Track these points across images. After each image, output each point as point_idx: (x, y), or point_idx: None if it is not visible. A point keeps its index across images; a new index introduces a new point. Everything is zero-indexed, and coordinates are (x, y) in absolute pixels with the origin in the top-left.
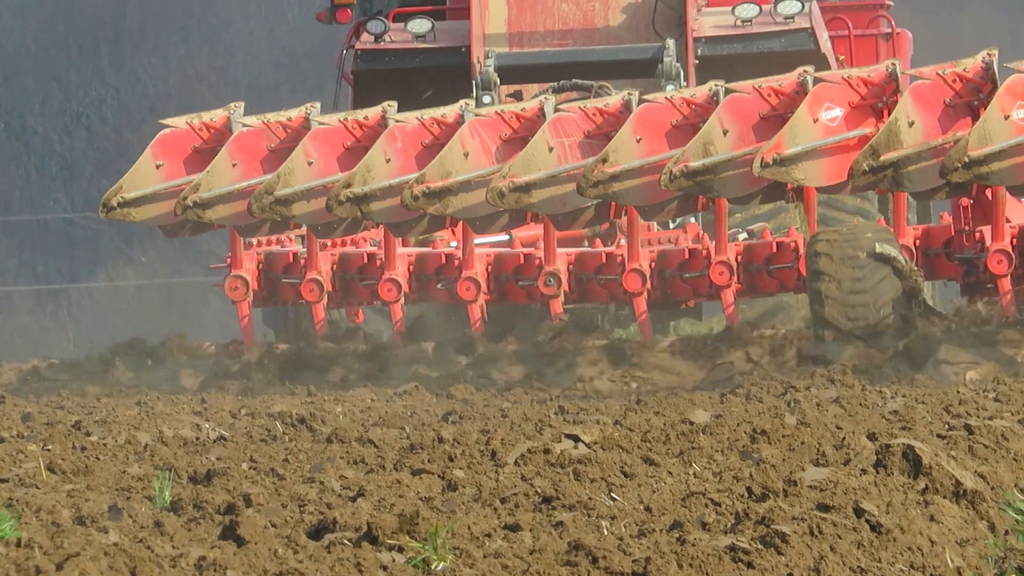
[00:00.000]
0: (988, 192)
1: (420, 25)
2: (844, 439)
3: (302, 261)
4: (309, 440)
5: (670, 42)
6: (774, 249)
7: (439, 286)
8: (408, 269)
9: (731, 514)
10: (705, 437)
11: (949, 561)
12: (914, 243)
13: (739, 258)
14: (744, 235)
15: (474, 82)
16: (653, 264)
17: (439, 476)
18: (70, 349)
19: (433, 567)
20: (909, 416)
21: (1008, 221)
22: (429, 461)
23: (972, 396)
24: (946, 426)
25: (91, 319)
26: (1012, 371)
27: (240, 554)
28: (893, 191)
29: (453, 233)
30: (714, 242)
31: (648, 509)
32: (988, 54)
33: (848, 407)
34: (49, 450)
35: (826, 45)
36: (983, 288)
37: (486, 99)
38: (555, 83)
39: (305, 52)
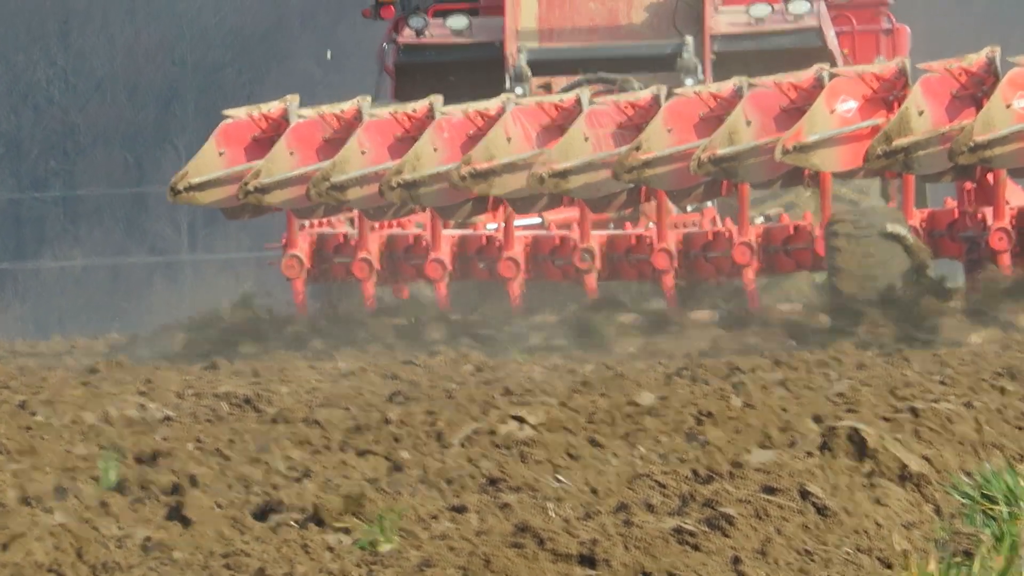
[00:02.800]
0: (990, 177)
1: (458, 21)
2: (790, 422)
3: (352, 242)
4: (255, 421)
5: (689, 39)
6: (791, 232)
7: (481, 266)
8: (452, 250)
9: (677, 496)
10: (651, 419)
11: (895, 544)
12: (921, 224)
13: (759, 240)
14: (760, 219)
15: (507, 75)
16: (680, 245)
17: (385, 457)
18: (20, 328)
19: (379, 548)
20: (855, 399)
21: (1008, 203)
22: (375, 442)
23: (918, 379)
24: (892, 409)
25: (37, 298)
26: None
27: (186, 535)
28: (904, 173)
29: (494, 217)
30: (736, 225)
31: (594, 491)
32: (991, 50)
33: (794, 390)
34: None
35: (833, 42)
36: (985, 264)
37: (518, 90)
38: (582, 76)
39: (252, 32)
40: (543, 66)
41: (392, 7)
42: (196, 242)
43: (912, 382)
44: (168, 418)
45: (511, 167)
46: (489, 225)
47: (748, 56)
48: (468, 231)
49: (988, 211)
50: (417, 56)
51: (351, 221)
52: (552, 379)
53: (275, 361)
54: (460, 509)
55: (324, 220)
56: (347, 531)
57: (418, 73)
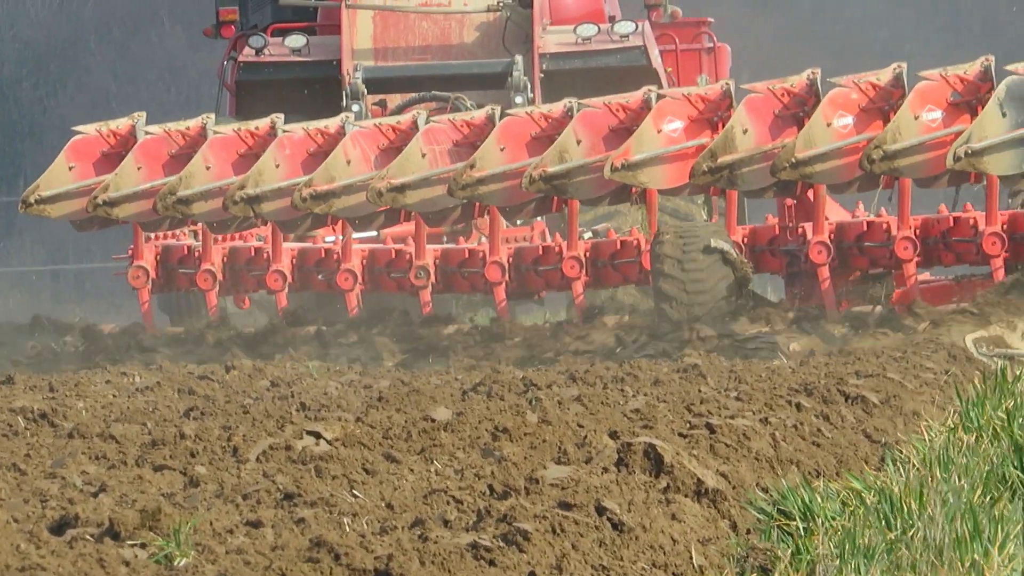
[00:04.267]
0: (810, 193)
1: (296, 41)
2: (586, 437)
3: (196, 253)
4: (51, 435)
5: (518, 58)
6: (618, 246)
7: (319, 277)
8: (292, 262)
9: (473, 512)
10: (447, 434)
11: (692, 560)
12: (743, 239)
13: (587, 254)
14: (589, 234)
15: (344, 92)
16: (511, 259)
17: (181, 472)
18: None
19: (175, 563)
20: (651, 414)
21: (827, 218)
22: (171, 457)
23: (713, 394)
24: (688, 425)
25: None
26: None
27: None
28: (728, 190)
29: (333, 230)
30: (565, 239)
31: (390, 506)
32: (812, 72)
33: (590, 405)
34: None
35: (657, 60)
36: (805, 277)
37: (355, 107)
38: (416, 94)
39: (47, 47)
40: (378, 84)
41: (232, 27)
42: None
43: (708, 398)
44: None
45: (350, 188)
46: (327, 238)
47: (576, 74)
48: (307, 244)
49: (808, 226)
50: (256, 73)
51: (194, 233)
52: (348, 394)
53: (71, 376)
54: (256, 524)
55: (170, 232)
56: (143, 545)
57: (258, 89)
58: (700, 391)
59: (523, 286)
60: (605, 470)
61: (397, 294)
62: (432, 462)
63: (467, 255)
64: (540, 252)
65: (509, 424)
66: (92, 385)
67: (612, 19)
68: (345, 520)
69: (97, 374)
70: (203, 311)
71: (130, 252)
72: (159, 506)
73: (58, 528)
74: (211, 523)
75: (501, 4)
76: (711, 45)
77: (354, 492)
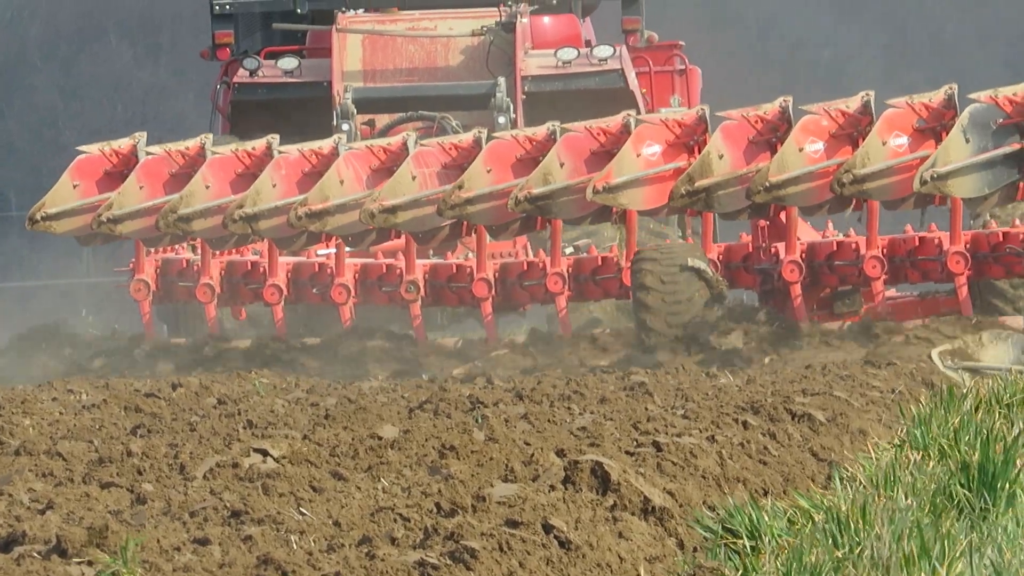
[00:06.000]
0: (782, 215)
1: (288, 62)
2: (533, 455)
3: (195, 267)
4: None
5: (501, 80)
6: (599, 263)
7: (314, 291)
8: (287, 276)
9: (420, 529)
10: (394, 452)
11: None
12: (718, 258)
13: (570, 270)
14: (570, 249)
15: (335, 112)
16: (497, 273)
17: (128, 489)
18: None
19: None
20: (597, 432)
21: (799, 238)
22: (118, 474)
23: (660, 413)
24: (634, 443)
25: None
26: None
27: None
28: (705, 212)
29: (328, 245)
30: (549, 256)
31: (337, 524)
32: (784, 100)
33: (536, 423)
34: None
35: (634, 83)
36: (778, 294)
37: (344, 126)
38: (404, 114)
39: None
40: (367, 104)
41: (228, 49)
42: None
43: (655, 416)
44: None
45: (343, 207)
46: (319, 251)
47: (556, 96)
48: (302, 258)
49: (781, 245)
50: (251, 94)
51: (192, 247)
52: (294, 412)
53: (17, 392)
54: (203, 541)
55: (168, 247)
56: (90, 563)
57: (251, 110)
58: (647, 409)
59: (508, 300)
60: (552, 488)
61: (387, 306)
62: (379, 480)
63: (455, 270)
64: (525, 268)
65: (456, 442)
66: (39, 402)
67: (589, 43)
68: (292, 538)
69: (44, 391)
70: (201, 322)
71: (131, 266)
72: (106, 523)
73: (5, 545)
74: (158, 540)
75: (485, 29)
76: (683, 68)
77: (301, 510)
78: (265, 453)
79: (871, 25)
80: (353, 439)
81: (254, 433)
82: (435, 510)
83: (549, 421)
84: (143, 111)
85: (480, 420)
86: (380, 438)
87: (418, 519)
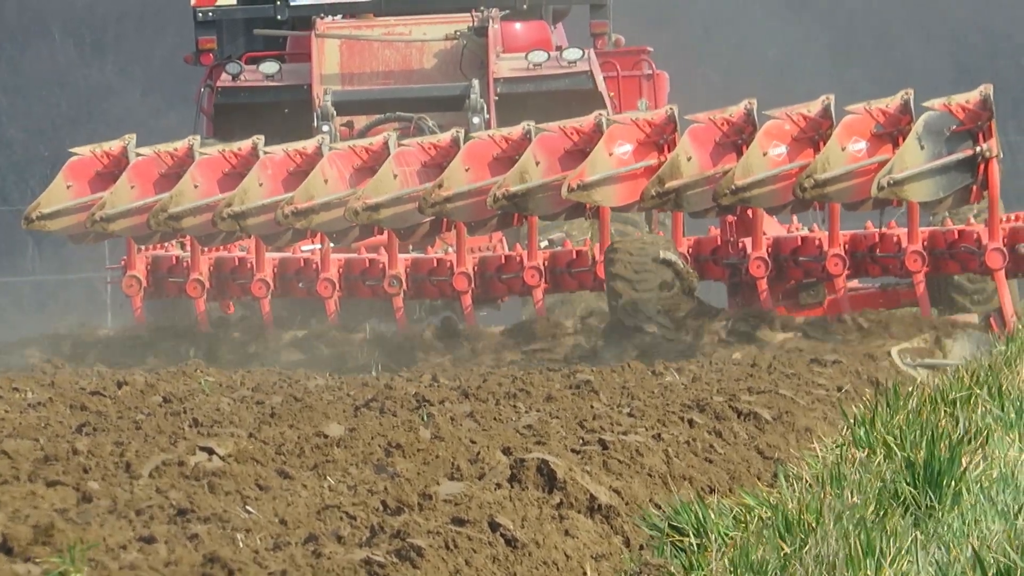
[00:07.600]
0: (749, 212)
1: (270, 67)
2: (479, 453)
3: (184, 263)
4: None
5: (475, 82)
6: (574, 256)
7: (300, 285)
8: (274, 271)
9: (366, 527)
10: (340, 450)
11: (585, 575)
12: (688, 250)
13: (546, 263)
14: (545, 243)
15: (315, 114)
16: (476, 267)
17: (74, 488)
18: None
19: None
20: (543, 431)
21: (765, 234)
22: (64, 473)
23: (606, 411)
24: (581, 441)
25: None
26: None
27: None
28: (675, 211)
29: (313, 241)
30: (525, 250)
31: (283, 522)
32: (749, 103)
33: (482, 421)
34: None
35: (602, 84)
36: (745, 288)
37: (324, 128)
38: (381, 115)
39: None
40: (346, 106)
41: (211, 54)
42: None
43: (601, 414)
44: None
45: (328, 205)
46: (304, 247)
47: (527, 97)
48: (287, 254)
49: (748, 241)
50: (233, 97)
51: (181, 244)
52: (240, 410)
53: None
54: (149, 540)
55: (158, 244)
56: (36, 561)
57: (234, 112)
58: (593, 407)
59: (487, 292)
60: (498, 486)
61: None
62: (325, 478)
63: (436, 264)
64: (503, 261)
65: (402, 440)
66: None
67: (559, 48)
68: (239, 536)
69: None
70: (190, 316)
71: (123, 263)
72: (52, 522)
73: None
74: (104, 539)
75: (458, 33)
76: (650, 72)
77: (247, 508)
78: (211, 451)
79: (814, 24)
80: (299, 437)
81: (200, 431)
82: (381, 508)
83: (495, 419)
84: (88, 108)
85: (426, 418)
86: (326, 436)
87: (364, 517)
